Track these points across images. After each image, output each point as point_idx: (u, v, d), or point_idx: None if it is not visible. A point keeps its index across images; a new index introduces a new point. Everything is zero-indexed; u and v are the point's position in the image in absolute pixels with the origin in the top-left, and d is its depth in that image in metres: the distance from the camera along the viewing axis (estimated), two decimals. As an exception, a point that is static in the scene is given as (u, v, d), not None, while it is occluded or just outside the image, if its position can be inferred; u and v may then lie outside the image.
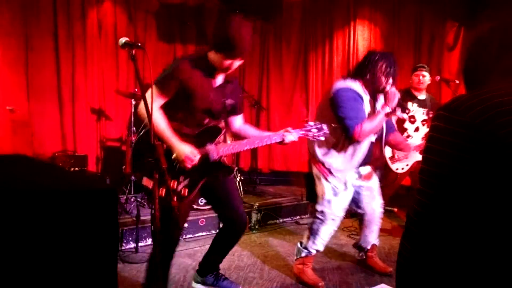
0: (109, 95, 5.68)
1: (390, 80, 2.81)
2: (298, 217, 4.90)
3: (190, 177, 2.42)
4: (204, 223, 4.09)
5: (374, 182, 3.20)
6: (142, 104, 2.28)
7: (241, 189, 5.20)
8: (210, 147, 2.45)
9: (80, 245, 1.16)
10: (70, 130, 5.37)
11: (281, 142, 2.57)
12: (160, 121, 2.35)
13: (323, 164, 2.97)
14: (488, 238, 0.92)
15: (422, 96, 4.24)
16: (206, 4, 6.16)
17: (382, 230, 4.42)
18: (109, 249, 1.23)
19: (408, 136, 4.16)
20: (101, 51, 5.61)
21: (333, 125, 2.85)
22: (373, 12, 6.16)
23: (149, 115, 1.83)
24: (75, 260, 1.15)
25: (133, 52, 1.85)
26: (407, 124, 4.15)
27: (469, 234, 0.94)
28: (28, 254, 1.09)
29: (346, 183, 2.99)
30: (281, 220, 4.77)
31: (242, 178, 5.38)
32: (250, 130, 2.75)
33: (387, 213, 4.99)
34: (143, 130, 2.47)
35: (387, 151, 4.17)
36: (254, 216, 4.47)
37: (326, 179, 2.99)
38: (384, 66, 2.79)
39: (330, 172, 2.96)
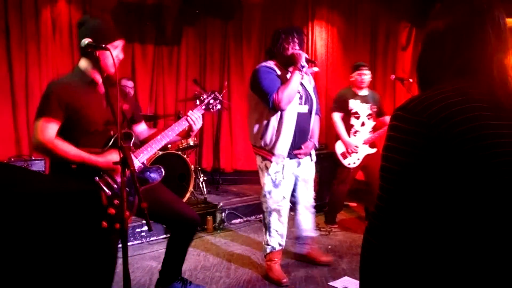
0: (65, 96, 5.47)
1: (296, 46, 3.00)
2: (261, 215, 4.94)
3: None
4: (168, 224, 4.06)
5: (310, 174, 3.32)
6: (36, 140, 2.08)
7: (205, 190, 5.19)
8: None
9: (73, 244, 1.14)
10: (24, 134, 5.13)
11: (190, 127, 2.52)
12: (66, 147, 2.10)
13: (263, 148, 3.07)
14: (447, 230, 0.98)
15: (363, 92, 4.32)
16: (165, 3, 6.08)
17: (342, 225, 4.56)
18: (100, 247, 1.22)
19: (356, 132, 4.29)
20: (56, 51, 5.40)
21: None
22: (330, 12, 6.30)
23: (116, 116, 1.77)
24: (67, 260, 1.14)
25: (97, 53, 1.80)
26: (353, 121, 4.27)
27: (428, 226, 0.99)
28: (19, 255, 1.07)
29: (284, 172, 3.09)
30: (245, 219, 4.81)
31: (205, 178, 5.38)
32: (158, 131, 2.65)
33: (346, 208, 5.15)
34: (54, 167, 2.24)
35: (339, 147, 4.29)
36: (219, 216, 4.48)
37: (267, 170, 3.10)
38: (285, 36, 3.00)
39: (273, 153, 3.04)
